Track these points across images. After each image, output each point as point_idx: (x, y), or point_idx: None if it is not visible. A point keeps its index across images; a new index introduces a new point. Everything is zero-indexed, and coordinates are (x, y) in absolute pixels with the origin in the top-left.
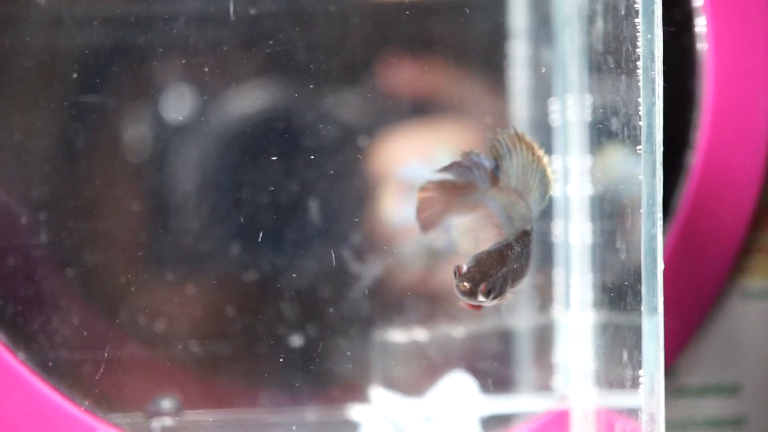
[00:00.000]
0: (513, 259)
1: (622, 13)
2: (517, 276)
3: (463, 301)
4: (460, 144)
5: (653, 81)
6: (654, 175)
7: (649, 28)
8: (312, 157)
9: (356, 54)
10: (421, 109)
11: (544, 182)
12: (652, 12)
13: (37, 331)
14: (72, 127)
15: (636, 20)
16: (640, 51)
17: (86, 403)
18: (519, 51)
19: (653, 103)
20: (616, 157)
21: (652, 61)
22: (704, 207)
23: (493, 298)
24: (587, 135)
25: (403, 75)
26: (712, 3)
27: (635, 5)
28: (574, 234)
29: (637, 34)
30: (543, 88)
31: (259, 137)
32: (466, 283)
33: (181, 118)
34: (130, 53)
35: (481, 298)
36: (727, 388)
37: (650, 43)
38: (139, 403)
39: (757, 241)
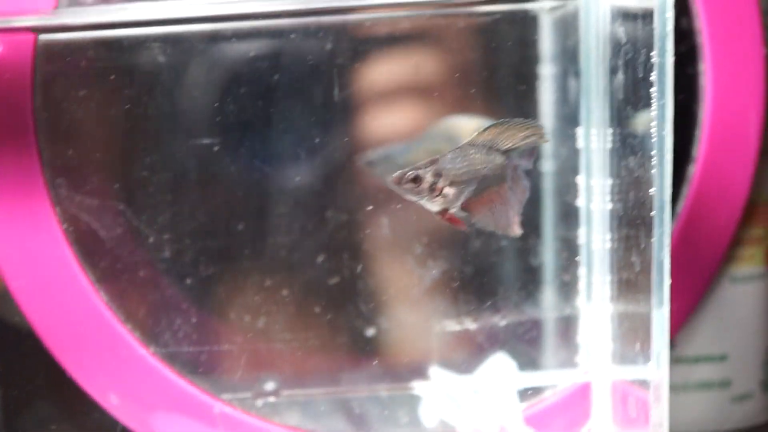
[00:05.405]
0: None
1: (640, 75)
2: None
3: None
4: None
5: (664, 117)
6: (663, 193)
7: (663, 74)
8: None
9: None
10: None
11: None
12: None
13: (164, 329)
14: (187, 165)
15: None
16: (654, 89)
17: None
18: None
19: (664, 133)
20: (632, 177)
21: (663, 94)
22: (702, 209)
23: (431, 187)
24: (608, 160)
25: None
26: (711, 44)
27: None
28: (596, 241)
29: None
30: (571, 119)
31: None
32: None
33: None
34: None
35: (407, 185)
36: (717, 357)
37: (663, 82)
38: (246, 384)
39: (744, 234)
